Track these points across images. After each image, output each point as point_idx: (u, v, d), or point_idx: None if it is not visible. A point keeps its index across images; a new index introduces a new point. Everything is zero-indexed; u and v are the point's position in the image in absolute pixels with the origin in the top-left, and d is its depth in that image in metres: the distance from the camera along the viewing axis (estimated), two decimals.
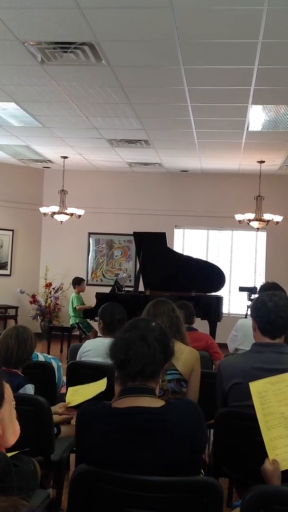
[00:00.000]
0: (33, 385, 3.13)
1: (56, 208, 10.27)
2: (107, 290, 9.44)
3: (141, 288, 9.06)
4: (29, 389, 3.11)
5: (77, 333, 9.91)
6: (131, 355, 1.89)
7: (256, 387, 2.19)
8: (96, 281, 11.73)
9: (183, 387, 2.90)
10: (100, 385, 3.14)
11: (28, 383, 3.12)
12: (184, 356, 2.88)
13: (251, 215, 9.87)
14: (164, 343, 1.97)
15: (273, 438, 2.09)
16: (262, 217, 9.85)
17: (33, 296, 11.26)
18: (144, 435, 1.83)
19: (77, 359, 3.93)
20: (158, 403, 1.90)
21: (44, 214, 10.55)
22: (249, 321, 4.33)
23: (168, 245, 9.17)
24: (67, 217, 10.35)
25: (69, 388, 3.39)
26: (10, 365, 3.13)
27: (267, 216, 9.89)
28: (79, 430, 2.00)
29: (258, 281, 10.91)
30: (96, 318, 4.06)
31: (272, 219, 9.96)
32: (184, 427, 1.88)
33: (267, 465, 2.04)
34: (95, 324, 9.32)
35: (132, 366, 1.89)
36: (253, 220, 9.84)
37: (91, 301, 9.37)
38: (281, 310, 2.64)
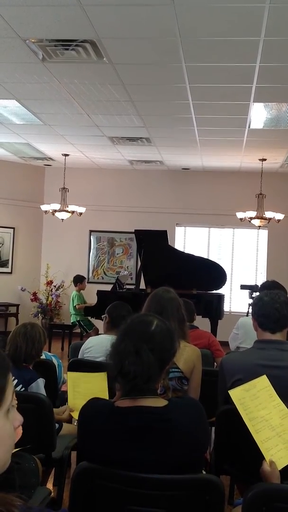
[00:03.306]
0: (43, 380, 3.16)
1: (57, 206, 10.27)
2: (108, 288, 9.44)
3: (142, 286, 9.05)
4: (41, 382, 3.15)
5: (78, 330, 9.92)
6: (125, 368, 1.87)
7: (235, 394, 2.23)
8: (97, 279, 11.73)
9: (184, 385, 2.90)
10: (100, 382, 3.14)
11: (40, 378, 3.14)
12: (186, 354, 2.88)
13: (253, 213, 9.85)
14: (162, 349, 1.93)
15: (263, 440, 2.13)
16: (264, 215, 9.84)
17: (34, 294, 11.26)
18: (147, 434, 1.83)
19: (80, 355, 3.93)
20: (161, 402, 1.90)
21: (45, 211, 10.54)
22: (250, 320, 4.34)
23: (169, 243, 9.16)
24: (68, 214, 10.34)
25: (69, 385, 3.38)
26: (19, 363, 3.15)
27: (268, 214, 9.88)
28: (81, 427, 1.99)
29: (260, 279, 10.90)
30: (103, 316, 4.07)
31: (274, 217, 9.95)
32: (187, 425, 1.87)
33: (265, 467, 2.06)
34: (96, 322, 9.33)
35: (128, 379, 1.88)
36: (254, 218, 9.83)
37: (92, 299, 9.37)
38: (276, 302, 2.66)
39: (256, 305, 2.72)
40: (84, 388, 3.26)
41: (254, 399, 2.23)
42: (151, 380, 1.89)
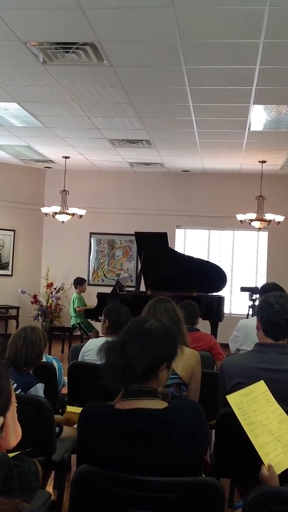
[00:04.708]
0: (43, 385, 3.15)
1: (57, 208, 10.27)
2: (108, 290, 9.43)
3: (142, 288, 9.05)
4: (40, 388, 3.14)
5: (79, 333, 9.91)
6: (120, 364, 1.88)
7: (233, 400, 2.23)
8: (98, 281, 11.73)
9: (183, 391, 2.88)
10: None
11: (39, 382, 3.14)
12: (184, 359, 2.85)
13: (253, 215, 9.86)
14: (160, 347, 1.94)
15: (262, 445, 2.13)
16: (264, 217, 9.84)
17: (35, 296, 11.26)
18: (147, 436, 1.83)
19: (80, 357, 3.93)
20: (160, 404, 1.90)
21: (46, 214, 10.55)
22: (251, 322, 4.34)
23: (169, 245, 9.17)
24: (69, 217, 10.35)
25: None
26: (20, 367, 3.14)
27: (268, 216, 9.88)
28: (81, 430, 1.99)
29: (260, 281, 10.89)
30: (100, 318, 4.06)
31: (274, 219, 9.95)
32: (187, 428, 1.87)
33: (264, 471, 2.06)
34: (96, 325, 9.33)
35: (126, 378, 1.88)
36: (254, 220, 9.83)
37: (92, 301, 9.37)
38: (286, 313, 2.64)
39: (265, 310, 2.68)
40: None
41: (252, 404, 2.23)
42: (149, 376, 1.89)
